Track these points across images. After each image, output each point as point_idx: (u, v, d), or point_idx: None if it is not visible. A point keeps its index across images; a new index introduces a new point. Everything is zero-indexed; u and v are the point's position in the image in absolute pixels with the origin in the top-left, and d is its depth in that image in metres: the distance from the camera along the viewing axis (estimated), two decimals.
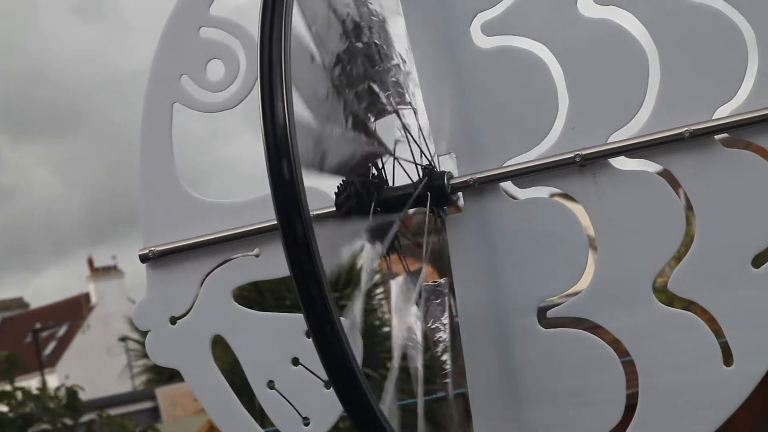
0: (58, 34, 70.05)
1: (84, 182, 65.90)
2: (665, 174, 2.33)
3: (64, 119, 68.90)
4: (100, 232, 63.87)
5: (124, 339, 26.19)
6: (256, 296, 14.64)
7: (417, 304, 2.51)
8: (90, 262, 46.30)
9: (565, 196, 2.41)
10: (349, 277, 11.66)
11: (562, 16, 2.39)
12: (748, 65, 2.28)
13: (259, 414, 2.59)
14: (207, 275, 2.60)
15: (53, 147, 70.95)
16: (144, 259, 2.62)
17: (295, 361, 2.53)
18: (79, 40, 69.42)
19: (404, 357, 2.41)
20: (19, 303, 49.29)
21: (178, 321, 2.61)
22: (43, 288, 72.06)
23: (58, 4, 73.24)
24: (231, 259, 2.59)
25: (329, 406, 2.49)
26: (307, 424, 2.53)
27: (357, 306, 2.24)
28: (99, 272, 45.78)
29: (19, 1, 70.38)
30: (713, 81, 2.30)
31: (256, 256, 2.58)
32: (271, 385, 2.54)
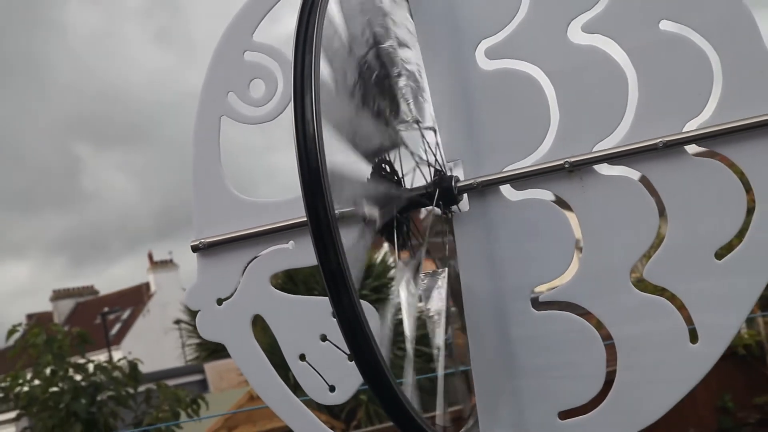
0: (136, 59, 70.67)
1: (153, 188, 66.50)
2: (642, 179, 2.32)
3: (139, 133, 69.54)
4: (161, 230, 64.22)
5: (177, 322, 26.24)
6: (291, 286, 14.70)
7: (420, 292, 2.51)
8: (150, 256, 46.53)
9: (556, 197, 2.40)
10: (368, 269, 11.65)
11: (554, 43, 2.38)
12: (714, 85, 2.26)
13: (292, 387, 2.58)
14: (248, 263, 2.60)
15: (129, 157, 71.57)
16: (195, 249, 2.62)
17: (323, 338, 2.53)
18: (154, 64, 69.92)
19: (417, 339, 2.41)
20: (90, 290, 49.60)
21: (224, 302, 2.61)
22: (113, 277, 73.36)
23: (141, 34, 73.86)
24: (269, 250, 2.59)
25: (351, 375, 2.49)
26: (332, 391, 2.53)
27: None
28: (157, 265, 45.99)
29: (110, 32, 71.03)
30: (684, 99, 2.28)
31: (290, 247, 2.58)
32: (302, 357, 2.54)
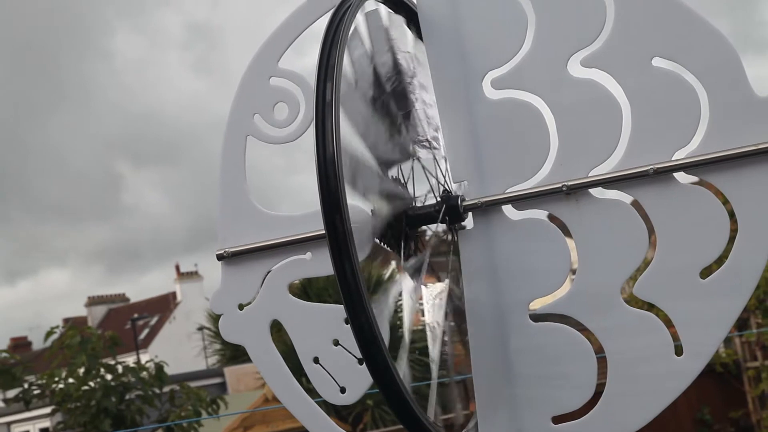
0: (175, 84, 71.41)
1: (185, 204, 66.78)
2: (634, 203, 2.31)
3: (174, 152, 70.01)
4: (189, 244, 64.47)
5: (201, 328, 26.28)
6: (305, 298, 14.65)
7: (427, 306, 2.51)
8: (177, 267, 46.58)
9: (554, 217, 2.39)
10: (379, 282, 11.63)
11: (554, 76, 2.38)
12: (701, 118, 2.26)
13: (306, 389, 2.57)
14: (268, 272, 2.60)
15: (164, 174, 72.01)
16: (220, 257, 2.61)
17: (336, 342, 2.51)
18: (191, 89, 70.49)
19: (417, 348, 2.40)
20: (122, 298, 49.67)
21: (245, 307, 2.61)
22: (144, 286, 73.94)
23: (181, 62, 74.51)
24: (288, 260, 2.59)
25: (361, 378, 2.48)
26: (343, 393, 2.51)
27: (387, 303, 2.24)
28: (184, 276, 46.02)
29: (152, 59, 71.74)
30: (673, 129, 2.28)
31: (308, 258, 2.57)
32: (316, 360, 2.53)
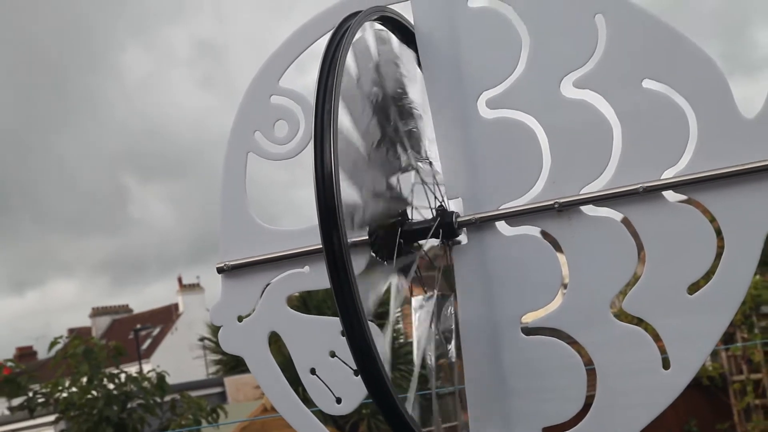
0: (181, 101, 71.48)
1: (189, 218, 66.58)
2: (624, 220, 2.30)
3: (179, 167, 69.81)
4: (192, 257, 64.39)
5: (202, 339, 26.16)
6: (304, 311, 14.64)
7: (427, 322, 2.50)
8: (180, 280, 46.51)
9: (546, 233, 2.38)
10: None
11: (548, 96, 2.37)
12: (690, 138, 2.26)
13: (303, 399, 2.56)
14: (267, 285, 2.59)
15: (169, 188, 71.85)
16: (220, 270, 2.60)
17: (332, 354, 2.50)
18: (196, 106, 70.50)
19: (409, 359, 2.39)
20: (125, 309, 49.53)
21: (244, 319, 2.60)
22: (147, 297, 73.87)
23: (187, 80, 74.67)
24: (286, 273, 2.58)
25: (357, 389, 2.47)
26: (339, 403, 2.50)
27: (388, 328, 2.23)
28: (186, 288, 45.92)
29: (159, 76, 71.94)
30: (663, 149, 2.28)
31: (306, 271, 2.56)
32: (312, 371, 2.52)
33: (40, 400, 9.25)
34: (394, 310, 2.39)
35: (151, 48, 73.39)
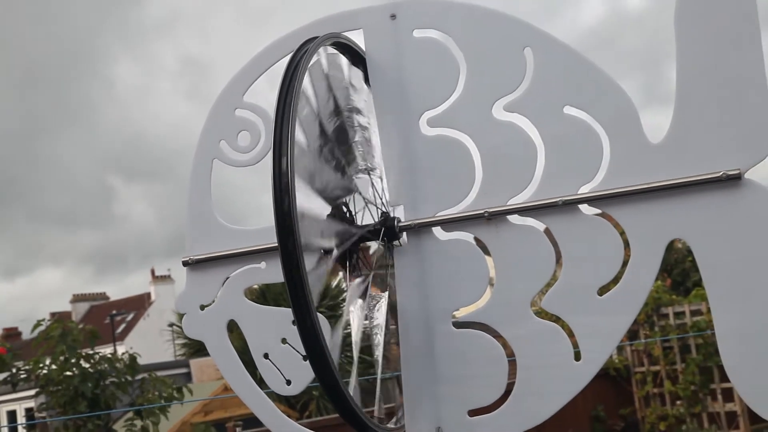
0: (167, 110, 70.68)
1: (167, 216, 65.78)
2: (546, 230, 2.30)
3: (161, 170, 68.96)
4: (168, 251, 63.66)
5: (170, 325, 25.94)
6: (262, 302, 14.57)
7: (368, 313, 2.48)
8: (152, 271, 46.00)
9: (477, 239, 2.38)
10: (325, 291, 11.60)
11: (481, 118, 2.37)
12: (603, 159, 2.27)
13: (257, 382, 2.52)
14: (227, 278, 2.55)
15: (151, 189, 71.06)
16: (185, 263, 2.57)
17: (284, 341, 2.48)
18: (181, 115, 69.60)
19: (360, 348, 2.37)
20: (102, 296, 48.80)
21: (206, 308, 2.55)
22: (126, 286, 73.54)
23: (173, 90, 73.83)
24: (244, 268, 2.54)
25: (305, 373, 2.44)
26: (289, 385, 2.47)
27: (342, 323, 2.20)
28: (158, 279, 45.40)
29: (148, 87, 71.11)
30: (580, 168, 2.28)
31: (262, 267, 2.53)
32: (266, 356, 2.48)
33: (22, 376, 9.13)
34: (347, 305, 2.37)
35: (141, 61, 72.59)
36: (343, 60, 2.48)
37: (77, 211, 68.67)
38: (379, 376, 2.37)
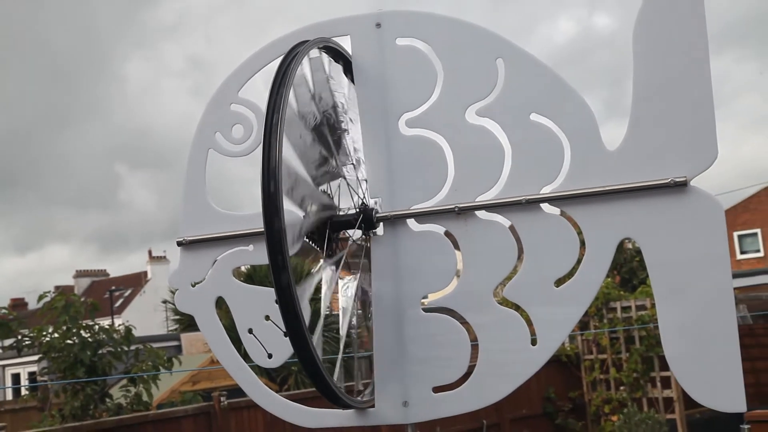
0: (172, 106, 70.09)
1: (168, 203, 65.45)
2: (511, 226, 2.30)
3: (164, 160, 68.31)
4: (166, 234, 63.25)
5: (164, 301, 25.75)
6: (250, 282, 14.50)
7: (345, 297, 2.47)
8: (149, 252, 45.71)
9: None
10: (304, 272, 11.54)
11: (455, 121, 2.36)
12: (564, 162, 2.27)
13: (242, 355, 2.49)
14: (217, 258, 2.52)
15: (154, 177, 70.58)
16: (179, 243, 2.55)
17: (267, 318, 2.45)
18: (185, 111, 68.93)
19: (334, 328, 2.36)
20: (103, 273, 48.43)
21: (197, 285, 2.52)
22: (126, 264, 73.53)
23: (179, 88, 73.35)
24: (233, 250, 2.51)
25: (285, 347, 2.42)
26: (270, 358, 2.45)
27: (309, 290, 2.19)
28: (154, 259, 45.09)
29: (155, 84, 70.54)
30: (542, 170, 2.28)
31: (250, 249, 2.50)
32: (250, 331, 2.46)
33: (26, 343, 9.10)
34: (326, 289, 2.35)
35: (150, 60, 71.98)
36: (336, 65, 2.46)
37: (86, 195, 68.36)
38: (341, 352, 2.35)
